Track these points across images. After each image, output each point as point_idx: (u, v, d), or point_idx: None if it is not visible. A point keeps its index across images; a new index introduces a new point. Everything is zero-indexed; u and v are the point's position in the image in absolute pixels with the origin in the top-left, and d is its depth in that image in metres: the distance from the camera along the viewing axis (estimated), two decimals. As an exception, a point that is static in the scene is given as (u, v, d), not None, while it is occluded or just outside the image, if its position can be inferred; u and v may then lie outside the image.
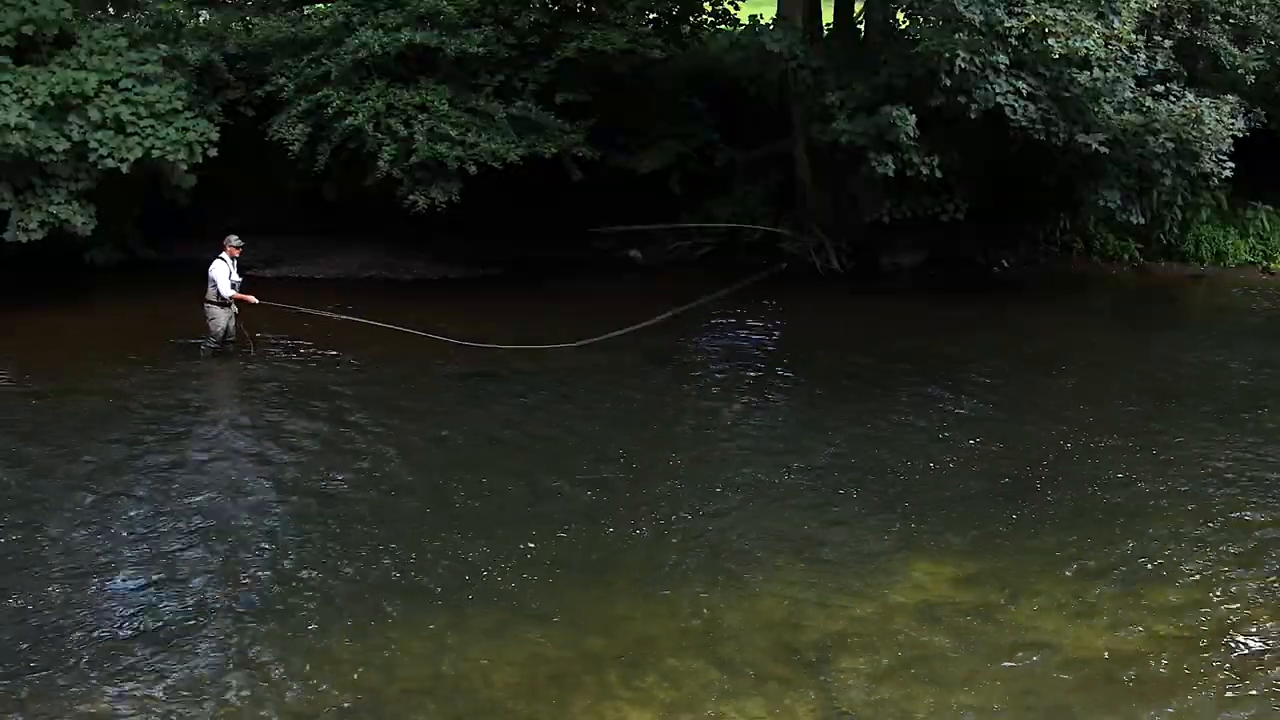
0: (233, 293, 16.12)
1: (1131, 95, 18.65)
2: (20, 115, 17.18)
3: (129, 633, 9.66)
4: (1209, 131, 18.36)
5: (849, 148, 18.90)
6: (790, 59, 19.60)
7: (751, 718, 8.66)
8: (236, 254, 16.21)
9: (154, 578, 10.52)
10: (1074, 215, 21.77)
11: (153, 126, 18.34)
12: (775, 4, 24.69)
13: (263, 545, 11.16)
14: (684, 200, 21.85)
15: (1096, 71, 18.34)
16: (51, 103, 17.66)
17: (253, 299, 16.25)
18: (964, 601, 10.27)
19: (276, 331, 17.07)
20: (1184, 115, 18.43)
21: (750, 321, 18.66)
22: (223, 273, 16.03)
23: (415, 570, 10.67)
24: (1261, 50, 21.38)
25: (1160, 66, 19.65)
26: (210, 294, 16.11)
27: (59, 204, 17.89)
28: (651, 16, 21.88)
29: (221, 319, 16.22)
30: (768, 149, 22.22)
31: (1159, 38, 20.07)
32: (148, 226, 20.40)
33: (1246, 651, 9.57)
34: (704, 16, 22.74)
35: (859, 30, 20.84)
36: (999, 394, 15.26)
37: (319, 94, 19.48)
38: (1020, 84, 18.12)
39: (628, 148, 21.18)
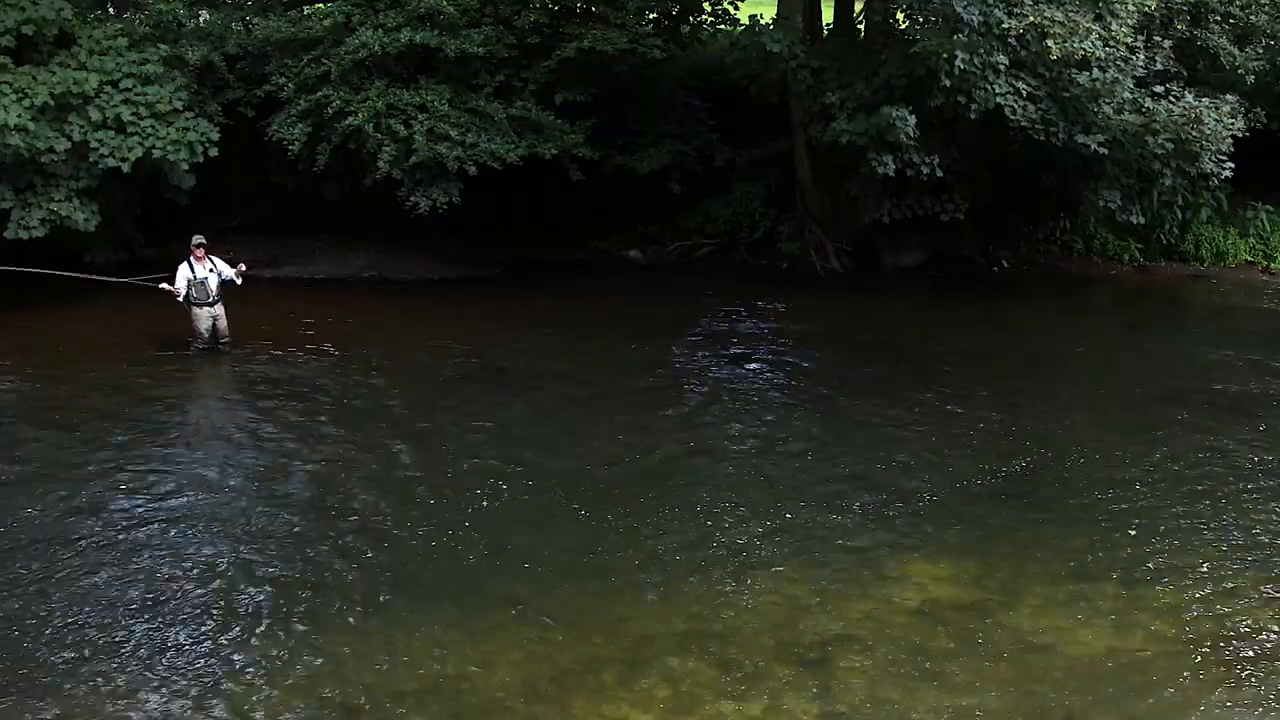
0: (182, 289, 16.22)
1: (1131, 96, 18.66)
2: (20, 115, 17.18)
3: (120, 632, 9.66)
4: (1208, 132, 18.38)
5: (849, 148, 18.90)
6: (790, 59, 19.60)
7: (751, 718, 8.67)
8: (201, 254, 16.28)
9: (145, 579, 10.50)
10: (1074, 215, 21.80)
11: (153, 126, 18.36)
12: (775, 4, 24.70)
13: (256, 545, 11.14)
14: (683, 200, 21.85)
15: (1096, 72, 18.36)
16: (51, 103, 17.66)
17: (164, 286, 16.35)
18: (964, 601, 10.27)
19: (273, 331, 17.09)
20: (1183, 115, 18.45)
21: (749, 322, 18.65)
22: (180, 275, 16.21)
23: (415, 570, 10.66)
24: (1261, 50, 21.39)
25: (1160, 67, 19.66)
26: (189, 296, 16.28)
27: (59, 201, 17.88)
28: (651, 16, 21.85)
29: (203, 319, 16.28)
30: (768, 149, 22.23)
31: (1159, 38, 20.07)
32: (148, 226, 20.41)
33: (1246, 651, 9.58)
34: (704, 16, 22.74)
35: (859, 30, 20.84)
36: (998, 394, 15.25)
37: (319, 94, 19.49)
38: (1020, 84, 18.14)
39: (628, 148, 21.18)
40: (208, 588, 10.38)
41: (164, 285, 16.37)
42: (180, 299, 16.30)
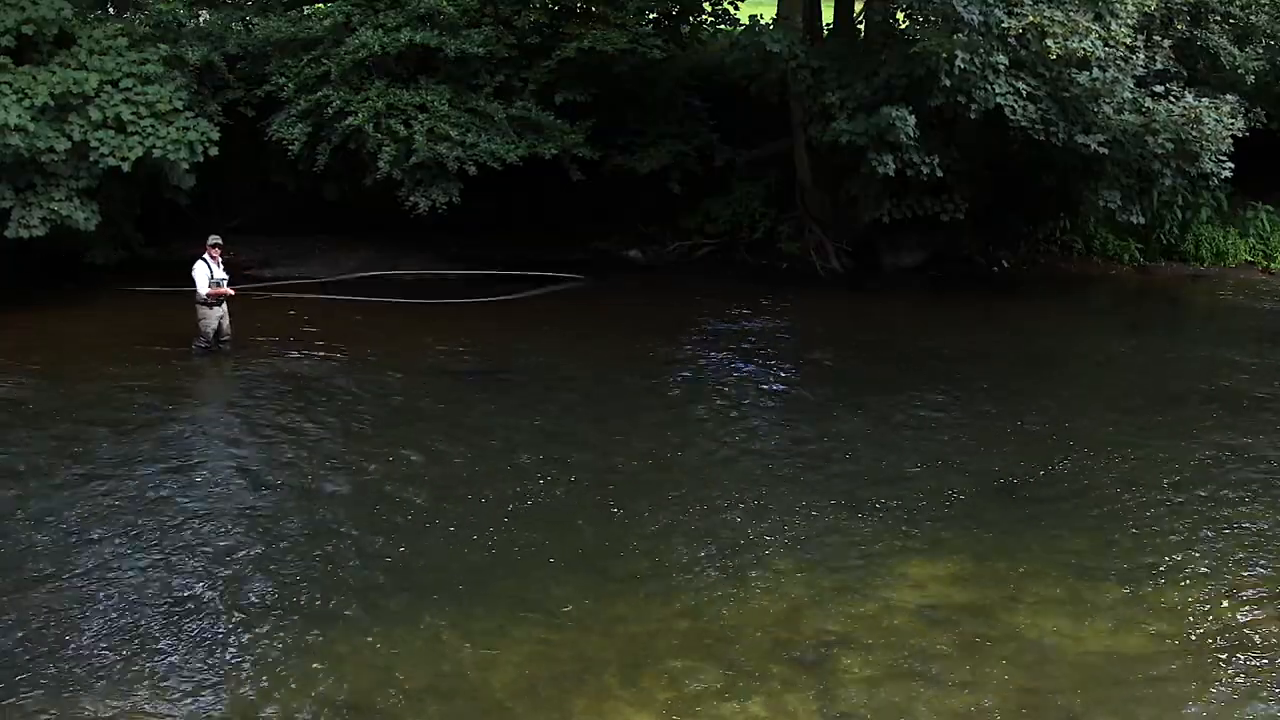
0: (210, 290, 16.13)
1: (1131, 96, 18.68)
2: (20, 116, 17.17)
3: (123, 633, 9.65)
4: (1208, 132, 18.40)
5: (849, 148, 18.91)
6: (790, 59, 19.61)
7: (751, 718, 8.67)
8: (217, 254, 16.27)
9: (147, 579, 10.48)
10: (1074, 215, 21.81)
11: (153, 126, 18.35)
12: (775, 4, 24.71)
13: (257, 544, 11.13)
14: (684, 200, 21.86)
15: (1096, 72, 18.37)
16: (51, 102, 17.65)
17: (229, 291, 16.29)
18: (963, 601, 10.27)
19: (274, 331, 17.09)
20: (1183, 115, 18.46)
21: (749, 322, 18.65)
22: (201, 274, 16.11)
23: (414, 569, 10.66)
24: (1261, 50, 21.41)
25: (1160, 67, 19.68)
26: (198, 295, 16.21)
27: (59, 201, 17.88)
28: (651, 16, 21.89)
29: (211, 319, 16.25)
30: (768, 149, 22.24)
31: (1159, 38, 20.09)
32: (148, 226, 20.41)
33: (1247, 652, 9.57)
34: (704, 16, 22.76)
35: (859, 30, 20.85)
36: (998, 394, 15.25)
37: (319, 94, 19.51)
38: (1020, 84, 18.16)
39: (628, 148, 21.19)
40: (207, 587, 10.37)
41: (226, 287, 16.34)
42: (223, 298, 16.24)
